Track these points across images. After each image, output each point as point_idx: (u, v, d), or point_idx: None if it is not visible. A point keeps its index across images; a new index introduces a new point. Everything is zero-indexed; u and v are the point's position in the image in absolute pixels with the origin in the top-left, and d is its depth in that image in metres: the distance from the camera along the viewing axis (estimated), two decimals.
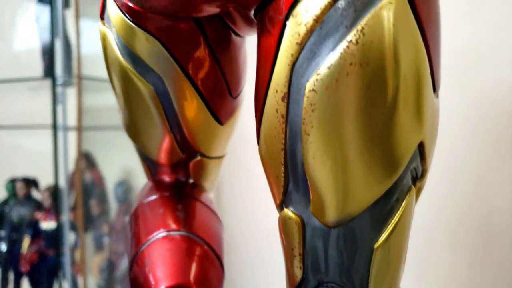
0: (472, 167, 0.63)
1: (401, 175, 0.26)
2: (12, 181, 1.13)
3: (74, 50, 0.99)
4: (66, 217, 0.93)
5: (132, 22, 0.30)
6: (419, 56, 0.25)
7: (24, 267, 1.06)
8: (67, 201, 0.90)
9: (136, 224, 0.37)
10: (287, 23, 0.24)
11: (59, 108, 0.91)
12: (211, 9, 0.29)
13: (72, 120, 1.02)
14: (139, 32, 0.30)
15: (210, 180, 0.43)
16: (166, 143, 0.37)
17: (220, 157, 0.42)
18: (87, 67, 1.02)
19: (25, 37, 1.16)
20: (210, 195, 0.43)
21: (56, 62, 0.84)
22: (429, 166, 0.29)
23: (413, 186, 0.28)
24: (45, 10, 0.97)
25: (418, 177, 0.28)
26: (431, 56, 0.26)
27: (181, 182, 0.41)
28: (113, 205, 1.09)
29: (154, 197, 0.39)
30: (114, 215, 1.08)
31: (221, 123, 0.37)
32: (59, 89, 0.84)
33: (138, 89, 0.33)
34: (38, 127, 1.22)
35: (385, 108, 0.24)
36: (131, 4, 0.29)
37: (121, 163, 1.26)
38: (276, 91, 0.25)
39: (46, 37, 1.02)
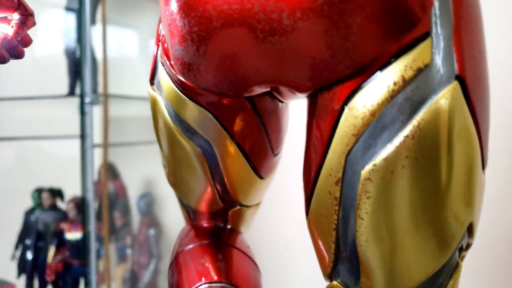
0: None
1: (450, 256, 0.27)
2: (38, 191, 1.16)
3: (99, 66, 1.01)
4: (92, 228, 0.96)
5: (184, 94, 0.31)
6: (472, 145, 0.25)
7: (49, 276, 1.09)
8: (93, 212, 0.92)
9: (178, 273, 0.39)
10: (343, 114, 0.25)
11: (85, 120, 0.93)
12: (262, 90, 0.30)
13: (97, 133, 1.04)
14: (191, 104, 0.31)
15: (247, 225, 0.44)
16: (207, 195, 0.38)
17: (257, 204, 0.43)
18: (111, 79, 1.04)
19: (49, 45, 1.18)
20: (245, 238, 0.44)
21: (84, 80, 0.85)
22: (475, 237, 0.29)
23: (460, 262, 0.28)
24: (72, 21, 0.99)
25: (464, 249, 0.29)
26: (481, 138, 0.26)
27: (219, 228, 0.42)
28: (136, 217, 1.11)
29: (194, 245, 0.40)
30: (137, 227, 1.10)
31: (262, 177, 0.38)
32: (87, 107, 0.86)
33: (186, 150, 0.34)
34: (65, 138, 1.24)
35: (437, 196, 0.25)
36: (184, 79, 0.30)
37: (143, 175, 1.28)
38: (330, 175, 0.26)
39: (72, 53, 1.04)
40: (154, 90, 0.35)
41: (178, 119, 0.32)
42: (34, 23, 0.36)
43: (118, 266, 1.09)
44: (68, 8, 1.05)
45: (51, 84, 1.20)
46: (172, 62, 0.30)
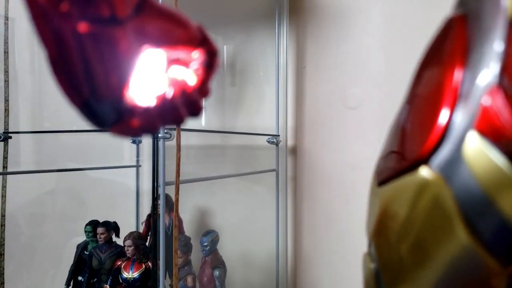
0: None
1: None
2: (92, 224, 1.10)
3: None
4: (161, 270, 0.89)
5: None
6: None
7: None
8: (163, 251, 0.85)
9: None
10: None
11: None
12: None
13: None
14: None
15: None
16: None
17: None
18: None
19: None
20: None
21: None
22: None
23: None
24: None
25: None
26: None
27: None
28: (196, 255, 1.05)
29: None
30: (198, 267, 1.03)
31: None
32: (160, 143, 0.80)
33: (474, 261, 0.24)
34: (123, 167, 1.20)
35: None
36: None
37: (198, 208, 1.22)
38: None
39: None
40: (433, 170, 0.25)
41: (489, 211, 0.22)
42: (219, 65, 0.27)
43: None
44: None
45: None
46: None
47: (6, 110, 0.99)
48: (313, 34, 1.11)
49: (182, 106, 0.25)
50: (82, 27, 0.20)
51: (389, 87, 1.01)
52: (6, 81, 0.99)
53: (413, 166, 0.24)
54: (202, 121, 1.26)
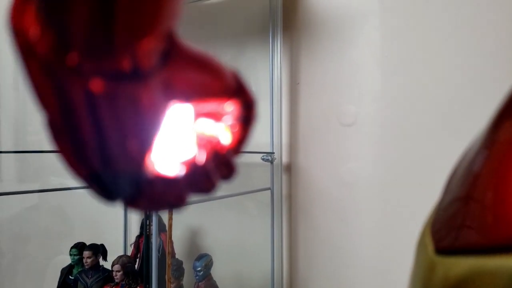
0: None
1: None
2: (78, 247, 1.05)
3: None
4: None
5: None
6: None
7: None
8: (156, 278, 0.80)
9: None
10: None
11: None
12: None
13: None
14: None
15: None
16: None
17: None
18: None
19: None
20: None
21: None
22: None
23: None
24: None
25: None
26: None
27: None
28: (189, 280, 1.00)
29: None
30: None
31: None
32: None
33: None
34: None
35: None
36: None
37: (190, 229, 1.18)
38: None
39: None
40: None
41: None
42: (256, 119, 0.22)
43: None
44: None
45: None
46: None
47: None
48: (307, 50, 1.09)
49: (215, 170, 0.20)
50: (96, 85, 0.15)
51: (385, 103, 0.99)
52: None
53: (508, 248, 0.19)
54: None
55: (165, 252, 1.06)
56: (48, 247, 1.19)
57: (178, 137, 0.19)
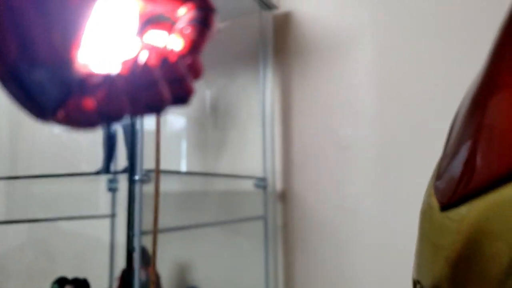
0: None
1: None
2: (59, 282, 0.99)
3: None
4: None
5: None
6: None
7: None
8: None
9: None
10: None
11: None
12: None
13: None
14: None
15: None
16: None
17: None
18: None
19: None
20: None
21: (137, 155, 0.73)
22: None
23: None
24: None
25: None
26: None
27: None
28: None
29: None
30: None
31: None
32: (136, 187, 0.72)
33: None
34: (96, 217, 1.10)
35: None
36: None
37: (177, 263, 1.11)
38: None
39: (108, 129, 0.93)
40: None
41: None
42: (215, 26, 0.18)
43: None
44: None
45: (72, 160, 1.09)
46: None
47: None
48: (300, 73, 1.07)
49: (163, 82, 0.16)
50: None
51: (382, 124, 0.95)
52: None
53: None
54: (182, 166, 1.18)
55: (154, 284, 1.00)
56: (31, 286, 1.13)
57: (117, 33, 0.16)
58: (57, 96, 0.14)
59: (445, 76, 0.89)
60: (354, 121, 0.99)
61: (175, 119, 1.20)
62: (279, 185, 1.06)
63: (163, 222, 0.94)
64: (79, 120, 0.14)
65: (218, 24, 0.19)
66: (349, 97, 1.00)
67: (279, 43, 1.10)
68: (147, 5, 0.16)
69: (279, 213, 1.05)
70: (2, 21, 0.12)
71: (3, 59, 0.13)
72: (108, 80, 0.15)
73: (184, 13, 0.17)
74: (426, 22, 0.92)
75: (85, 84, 0.14)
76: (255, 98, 1.09)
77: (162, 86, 0.16)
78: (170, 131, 1.21)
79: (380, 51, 0.97)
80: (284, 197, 1.06)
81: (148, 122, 0.79)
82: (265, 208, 1.02)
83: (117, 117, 0.15)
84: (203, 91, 1.21)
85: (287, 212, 1.05)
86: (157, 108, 0.16)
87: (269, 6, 1.06)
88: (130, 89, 0.15)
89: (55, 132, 1.11)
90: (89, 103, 0.14)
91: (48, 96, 0.13)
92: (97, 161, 0.94)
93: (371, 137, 0.96)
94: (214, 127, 1.17)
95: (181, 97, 0.17)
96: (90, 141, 1.07)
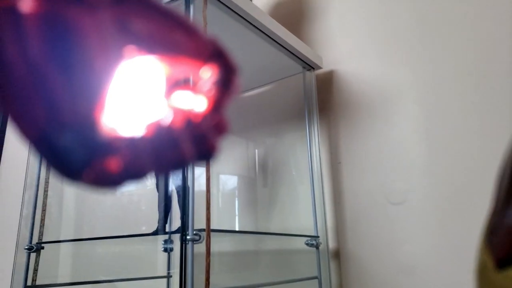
0: None
1: None
2: None
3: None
4: None
5: None
6: None
7: None
8: None
9: None
10: None
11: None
12: None
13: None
14: None
15: None
16: None
17: None
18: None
19: None
20: None
21: (188, 215, 0.76)
22: None
23: None
24: None
25: None
26: None
27: None
28: None
29: None
30: None
31: None
32: (188, 247, 0.74)
33: None
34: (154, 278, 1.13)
35: None
36: None
37: None
38: None
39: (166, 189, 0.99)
40: None
41: None
42: (239, 87, 0.19)
43: None
44: None
45: (132, 222, 1.14)
46: None
47: (42, 220, 1.00)
48: (346, 128, 1.08)
49: (187, 142, 0.16)
50: (27, 2, 0.12)
51: (435, 177, 0.92)
52: (46, 191, 1.02)
53: None
54: (235, 224, 1.20)
55: None
56: None
57: (141, 95, 0.16)
58: (83, 158, 0.14)
59: (492, 126, 0.86)
60: (404, 177, 0.96)
61: (227, 179, 1.24)
62: (331, 244, 1.03)
63: (215, 282, 0.94)
64: (103, 180, 0.15)
65: (240, 84, 0.20)
66: (397, 152, 0.99)
67: (324, 101, 1.13)
68: (171, 66, 0.17)
69: (333, 273, 1.01)
70: (30, 88, 0.13)
71: (33, 124, 0.14)
72: (132, 142, 0.16)
73: (208, 74, 0.18)
74: (469, 77, 0.91)
75: (110, 146, 0.15)
76: (303, 155, 1.10)
77: (185, 146, 0.17)
78: (222, 190, 1.25)
79: (426, 107, 0.96)
80: (337, 256, 1.02)
81: (200, 182, 0.83)
82: (319, 267, 0.99)
83: (140, 177, 0.16)
84: (252, 150, 1.25)
85: (341, 271, 1.01)
86: (179, 166, 0.17)
87: (313, 67, 1.11)
88: (154, 150, 0.16)
89: (116, 195, 1.19)
90: (114, 164, 0.15)
91: (74, 158, 0.14)
92: (155, 223, 0.98)
93: (425, 191, 0.93)
94: (263, 185, 1.19)
95: (206, 154, 0.18)
96: (150, 203, 1.13)
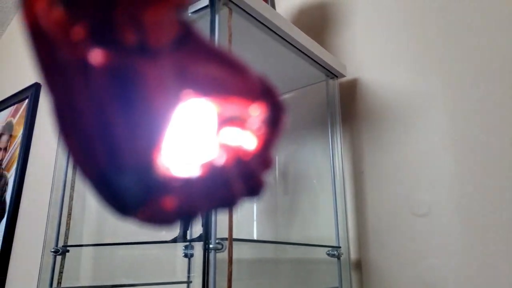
0: None
1: None
2: None
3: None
4: None
5: None
6: None
7: None
8: None
9: None
10: None
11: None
12: None
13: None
14: None
15: None
16: None
17: None
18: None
19: None
20: None
21: (210, 223, 0.76)
22: None
23: None
24: None
25: None
26: None
27: None
28: None
29: None
30: None
31: None
32: (211, 255, 0.74)
33: None
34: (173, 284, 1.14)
35: None
36: None
37: None
38: None
39: None
40: None
41: None
42: (285, 124, 0.19)
43: None
44: None
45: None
46: None
47: (68, 224, 1.02)
48: (370, 137, 1.06)
49: (237, 179, 0.17)
50: (97, 56, 0.13)
51: (461, 189, 0.90)
52: (72, 194, 1.04)
53: None
54: (254, 232, 1.19)
55: None
56: None
57: (195, 136, 0.17)
58: (140, 198, 0.15)
59: None
60: (429, 188, 0.94)
61: None
62: (354, 254, 1.02)
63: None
64: (158, 218, 0.16)
65: (288, 117, 0.20)
66: (422, 162, 0.97)
67: (347, 109, 1.12)
68: (222, 106, 0.17)
69: (354, 284, 0.99)
70: (90, 132, 0.14)
71: (93, 167, 0.14)
72: (187, 181, 0.16)
73: (257, 112, 0.18)
74: (500, 86, 0.89)
75: (165, 186, 0.15)
76: (325, 164, 1.09)
77: (236, 184, 0.17)
78: None
79: (453, 116, 0.94)
80: (359, 266, 1.01)
81: None
82: (340, 278, 0.97)
83: (193, 215, 0.17)
84: (273, 157, 1.24)
85: (363, 283, 0.99)
86: (229, 204, 0.17)
87: (336, 75, 1.10)
88: (207, 189, 0.17)
89: None
90: (169, 203, 0.16)
91: (132, 198, 0.15)
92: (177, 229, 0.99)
93: (450, 203, 0.91)
94: (284, 193, 1.18)
95: (254, 191, 0.18)
96: None
